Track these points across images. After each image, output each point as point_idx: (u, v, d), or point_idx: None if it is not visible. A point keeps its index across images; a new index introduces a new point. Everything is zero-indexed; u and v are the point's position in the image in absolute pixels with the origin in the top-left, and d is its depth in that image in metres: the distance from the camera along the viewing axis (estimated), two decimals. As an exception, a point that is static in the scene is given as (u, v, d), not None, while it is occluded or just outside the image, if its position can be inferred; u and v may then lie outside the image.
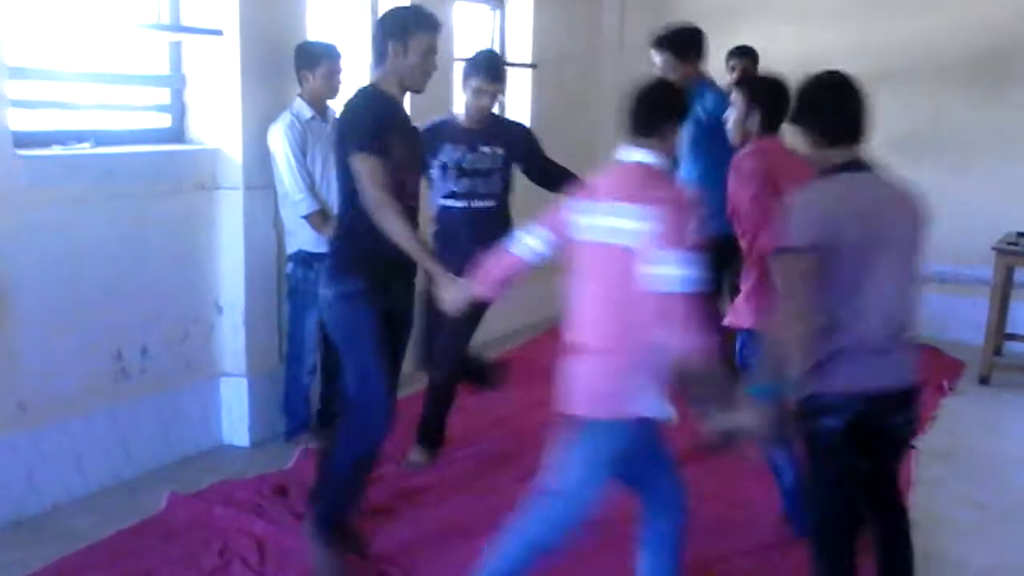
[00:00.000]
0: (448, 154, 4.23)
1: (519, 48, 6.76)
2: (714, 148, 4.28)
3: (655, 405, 2.70)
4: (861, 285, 2.63)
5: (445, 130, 4.28)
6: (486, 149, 4.26)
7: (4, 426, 3.60)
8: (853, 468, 2.75)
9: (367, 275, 3.25)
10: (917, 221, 2.72)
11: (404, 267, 3.33)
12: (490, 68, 4.19)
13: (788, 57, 5.65)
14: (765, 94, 3.45)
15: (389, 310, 3.31)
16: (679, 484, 2.89)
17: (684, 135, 4.32)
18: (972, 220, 6.54)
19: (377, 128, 3.16)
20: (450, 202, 4.28)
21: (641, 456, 2.79)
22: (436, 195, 4.32)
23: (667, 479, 2.88)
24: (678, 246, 2.57)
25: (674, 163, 4.22)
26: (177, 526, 3.64)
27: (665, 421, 2.74)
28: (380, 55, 3.25)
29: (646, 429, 2.73)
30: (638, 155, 2.73)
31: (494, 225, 4.18)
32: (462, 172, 4.25)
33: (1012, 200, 6.45)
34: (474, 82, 4.16)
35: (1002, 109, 6.54)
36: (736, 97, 3.53)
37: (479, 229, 4.12)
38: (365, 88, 3.35)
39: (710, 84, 4.73)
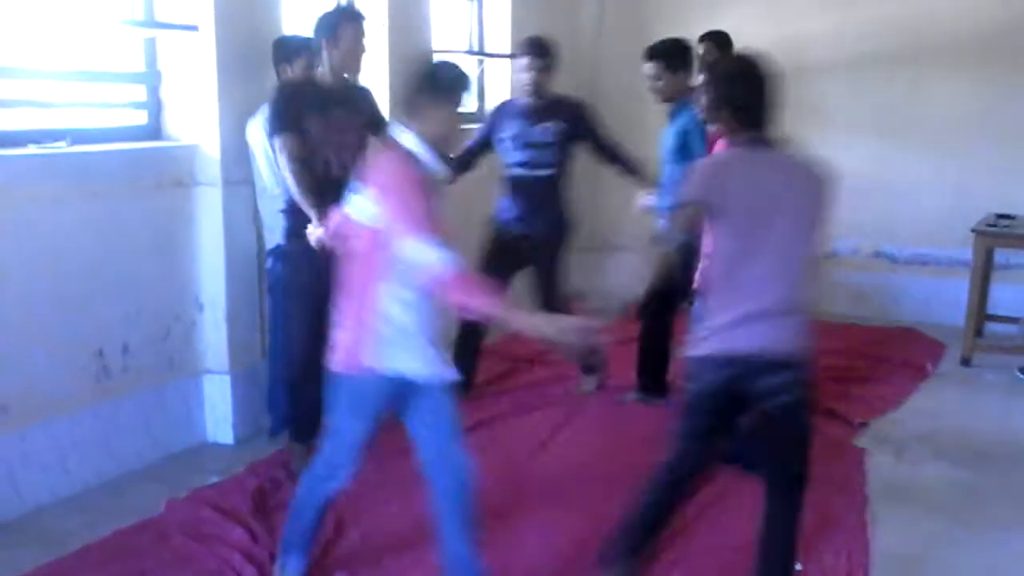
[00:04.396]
0: (508, 130, 4.90)
1: (497, 39, 6.75)
2: (692, 157, 4.51)
3: (415, 366, 2.83)
4: (753, 252, 2.79)
5: (507, 110, 5.02)
6: (547, 124, 4.86)
7: (-14, 428, 3.58)
8: (704, 429, 2.96)
9: (291, 239, 4.04)
10: (817, 194, 2.87)
11: None
12: (529, 47, 4.88)
13: (766, 43, 5.64)
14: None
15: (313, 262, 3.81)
16: (455, 449, 2.95)
17: (667, 142, 4.70)
18: (952, 202, 6.59)
19: (290, 112, 3.87)
20: (515, 171, 4.93)
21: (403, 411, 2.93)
22: (506, 164, 4.96)
23: (443, 442, 2.94)
24: (408, 226, 2.66)
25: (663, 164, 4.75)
26: (169, 529, 3.61)
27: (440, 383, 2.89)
28: (317, 46, 3.98)
29: (397, 385, 2.85)
30: (399, 136, 2.80)
31: (549, 190, 4.93)
32: (525, 144, 4.87)
33: (991, 182, 6.50)
34: (515, 63, 4.97)
35: (982, 92, 6.58)
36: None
37: (536, 193, 4.91)
38: (288, 80, 4.15)
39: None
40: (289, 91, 3.99)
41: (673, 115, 4.72)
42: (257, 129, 4.27)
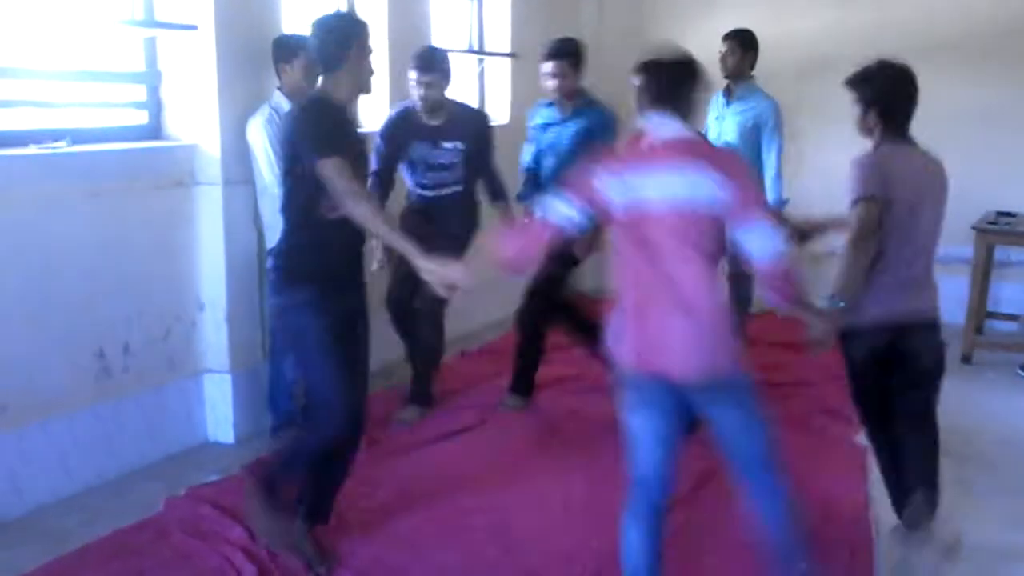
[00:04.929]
0: (416, 152, 4.68)
1: (498, 38, 6.76)
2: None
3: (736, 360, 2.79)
4: (911, 232, 3.24)
5: (411, 127, 4.66)
6: (448, 145, 4.67)
7: (-14, 427, 3.58)
8: (872, 389, 3.48)
9: (318, 284, 3.21)
10: (944, 184, 3.40)
11: (354, 272, 3.37)
12: (422, 59, 4.54)
13: (767, 41, 5.65)
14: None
15: (344, 312, 3.26)
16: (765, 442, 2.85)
17: (570, 138, 4.78)
18: (952, 199, 6.55)
19: (338, 133, 3.14)
20: (421, 191, 4.79)
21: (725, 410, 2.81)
22: (409, 182, 4.83)
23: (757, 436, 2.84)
24: (760, 211, 2.70)
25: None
26: (168, 526, 3.61)
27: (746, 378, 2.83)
28: (336, 62, 3.17)
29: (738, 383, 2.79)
30: (678, 126, 2.75)
31: (459, 207, 4.79)
32: (429, 167, 4.72)
33: (991, 179, 6.47)
34: (411, 75, 4.56)
35: (982, 90, 6.57)
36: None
37: (446, 211, 4.75)
38: (315, 98, 3.26)
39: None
40: (333, 111, 3.18)
41: (578, 112, 4.80)
42: (258, 128, 4.27)
